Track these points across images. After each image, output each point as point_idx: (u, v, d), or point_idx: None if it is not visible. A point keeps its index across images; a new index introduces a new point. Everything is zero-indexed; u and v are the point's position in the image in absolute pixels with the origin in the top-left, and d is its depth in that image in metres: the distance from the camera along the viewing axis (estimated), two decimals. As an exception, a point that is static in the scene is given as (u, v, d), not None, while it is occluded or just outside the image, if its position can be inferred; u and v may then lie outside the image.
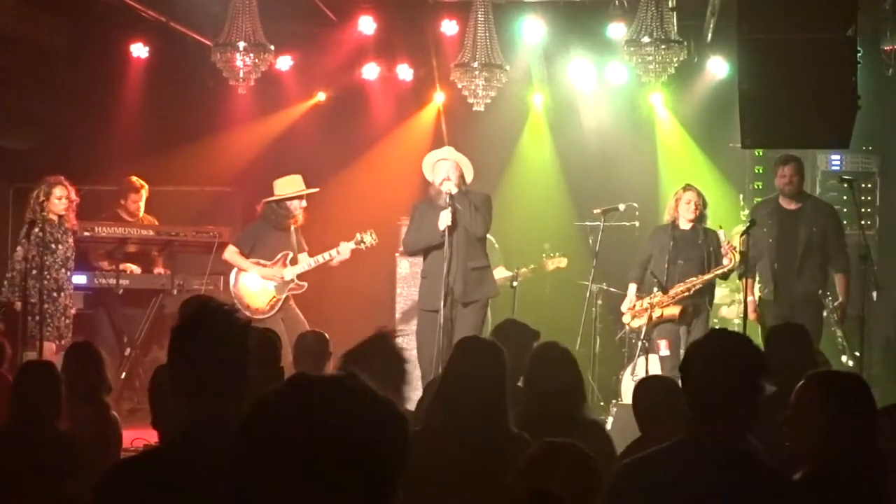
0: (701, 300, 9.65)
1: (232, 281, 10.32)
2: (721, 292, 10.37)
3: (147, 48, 11.61)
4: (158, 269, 10.83)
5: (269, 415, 1.76)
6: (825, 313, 9.34)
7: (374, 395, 1.80)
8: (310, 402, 1.74)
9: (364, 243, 10.23)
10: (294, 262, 10.27)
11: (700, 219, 9.66)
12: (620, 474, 3.47)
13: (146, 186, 10.93)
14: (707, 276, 9.53)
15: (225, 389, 3.02)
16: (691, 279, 9.54)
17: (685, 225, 9.70)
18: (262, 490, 1.72)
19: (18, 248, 9.51)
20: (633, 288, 9.90)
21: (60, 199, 9.47)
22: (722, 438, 3.37)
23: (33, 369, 5.65)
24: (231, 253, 10.29)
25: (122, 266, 10.47)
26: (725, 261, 9.51)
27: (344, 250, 10.21)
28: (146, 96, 11.87)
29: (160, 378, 5.60)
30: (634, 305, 9.80)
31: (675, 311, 9.58)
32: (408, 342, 8.20)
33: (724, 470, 3.32)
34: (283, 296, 10.22)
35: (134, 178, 10.90)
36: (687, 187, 9.78)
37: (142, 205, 10.94)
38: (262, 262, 10.24)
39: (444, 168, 8.97)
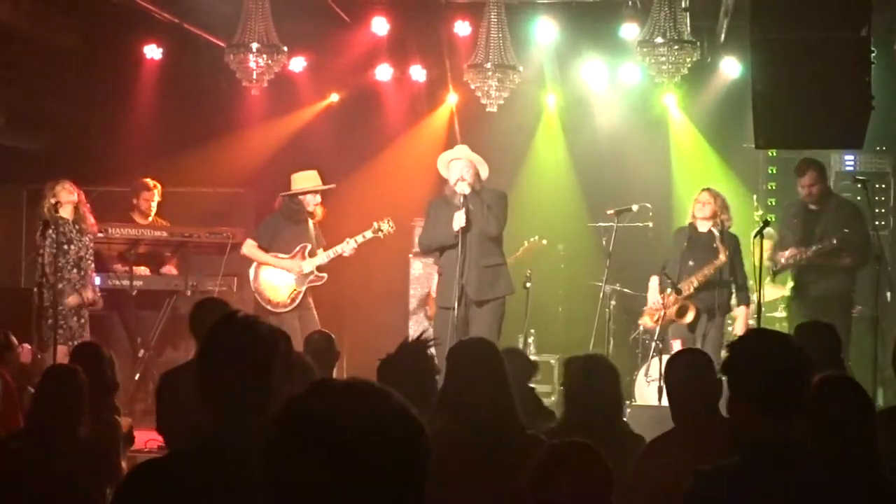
0: (715, 301, 9.61)
1: (252, 276, 10.30)
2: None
3: (160, 49, 11.61)
4: (169, 268, 10.83)
5: (296, 415, 1.82)
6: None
7: (392, 397, 1.86)
8: (334, 403, 1.82)
9: (382, 231, 10.24)
10: (312, 254, 10.27)
11: (717, 221, 9.60)
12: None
13: (159, 187, 10.95)
14: (706, 271, 9.50)
15: (249, 399, 3.03)
16: (694, 276, 9.54)
17: (703, 227, 9.68)
18: (291, 488, 1.79)
19: (41, 249, 9.50)
20: (654, 280, 9.90)
21: (67, 195, 9.44)
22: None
23: (58, 375, 5.49)
24: (249, 247, 10.30)
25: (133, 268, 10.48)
26: (722, 256, 9.51)
27: (359, 239, 10.22)
28: (159, 97, 11.88)
29: (167, 383, 5.62)
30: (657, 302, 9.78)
31: (690, 316, 9.57)
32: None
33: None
34: (304, 288, 10.21)
35: (147, 179, 10.92)
36: (703, 189, 9.79)
37: (153, 205, 10.96)
38: (279, 255, 10.25)
39: (458, 167, 8.96)
